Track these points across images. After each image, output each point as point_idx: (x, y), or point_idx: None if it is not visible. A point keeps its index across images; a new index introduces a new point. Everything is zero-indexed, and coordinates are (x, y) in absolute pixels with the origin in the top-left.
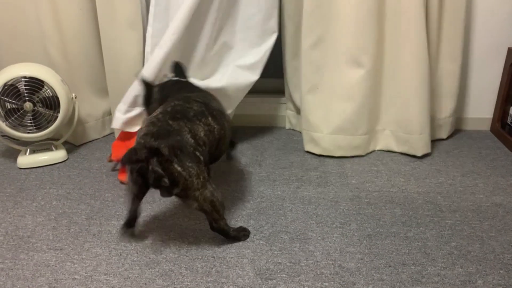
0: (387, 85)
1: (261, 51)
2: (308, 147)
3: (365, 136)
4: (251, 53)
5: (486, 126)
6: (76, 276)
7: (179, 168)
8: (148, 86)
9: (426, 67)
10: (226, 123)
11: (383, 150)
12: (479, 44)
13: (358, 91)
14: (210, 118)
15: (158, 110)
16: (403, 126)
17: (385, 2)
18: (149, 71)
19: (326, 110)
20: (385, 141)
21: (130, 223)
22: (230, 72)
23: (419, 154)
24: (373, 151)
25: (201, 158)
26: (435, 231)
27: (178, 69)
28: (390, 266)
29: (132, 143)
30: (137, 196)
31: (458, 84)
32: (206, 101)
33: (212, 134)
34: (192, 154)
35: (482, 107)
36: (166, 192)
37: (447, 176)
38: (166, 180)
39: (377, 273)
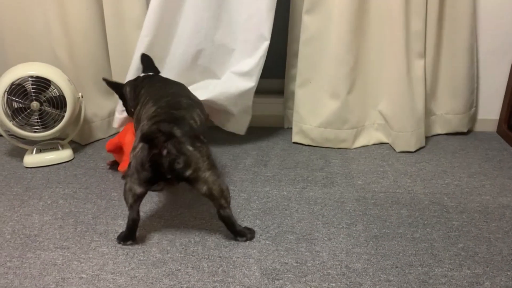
0: (372, 81)
1: (256, 57)
2: (296, 138)
3: (352, 130)
4: (247, 58)
5: (492, 128)
6: (83, 275)
7: (190, 148)
8: (115, 86)
9: (405, 64)
10: (205, 114)
11: (375, 144)
12: (485, 45)
13: (344, 87)
14: (197, 109)
15: (152, 108)
16: (389, 121)
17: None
18: (130, 75)
19: (315, 104)
20: (374, 135)
21: (131, 234)
22: (224, 79)
23: (397, 150)
24: (365, 145)
25: (205, 141)
26: (442, 232)
27: (147, 62)
28: (397, 267)
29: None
30: (139, 196)
31: (466, 81)
32: (188, 94)
33: (202, 123)
34: (198, 136)
35: (488, 109)
36: (179, 175)
37: (454, 177)
38: (180, 161)
39: (384, 274)
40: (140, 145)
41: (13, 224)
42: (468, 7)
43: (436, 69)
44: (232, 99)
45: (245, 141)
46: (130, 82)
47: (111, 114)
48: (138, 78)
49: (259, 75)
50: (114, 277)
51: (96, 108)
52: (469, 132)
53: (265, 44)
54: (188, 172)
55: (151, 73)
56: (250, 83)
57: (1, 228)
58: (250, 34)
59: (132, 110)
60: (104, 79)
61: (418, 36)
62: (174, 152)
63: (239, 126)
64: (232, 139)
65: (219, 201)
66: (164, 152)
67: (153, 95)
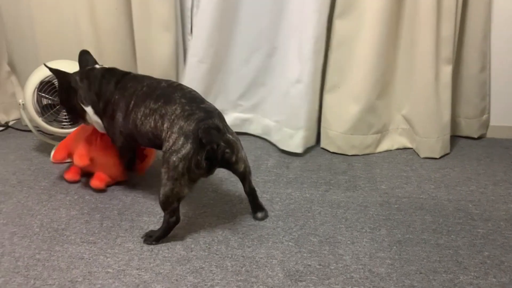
0: (400, 86)
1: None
2: (324, 143)
3: (377, 135)
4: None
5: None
6: (109, 270)
7: (230, 136)
8: (60, 75)
9: (433, 69)
10: None
11: (399, 149)
12: (498, 50)
13: (372, 92)
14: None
15: (174, 106)
16: (414, 127)
17: (403, 5)
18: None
19: (341, 109)
20: (397, 140)
21: (166, 236)
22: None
23: (422, 155)
24: (389, 150)
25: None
26: (466, 240)
27: (86, 58)
28: (421, 273)
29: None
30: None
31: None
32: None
33: None
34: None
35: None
36: (228, 162)
37: (478, 185)
38: (228, 150)
39: (408, 280)
40: (189, 145)
41: (41, 218)
42: (483, 12)
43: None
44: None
45: (266, 143)
46: (81, 72)
47: None
48: (89, 71)
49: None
50: (139, 273)
51: None
52: (480, 138)
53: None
54: (234, 157)
55: (98, 66)
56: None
57: (30, 222)
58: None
59: (82, 104)
60: (45, 65)
61: (447, 42)
62: (224, 144)
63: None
64: (253, 140)
65: (250, 176)
66: (216, 146)
67: (156, 94)
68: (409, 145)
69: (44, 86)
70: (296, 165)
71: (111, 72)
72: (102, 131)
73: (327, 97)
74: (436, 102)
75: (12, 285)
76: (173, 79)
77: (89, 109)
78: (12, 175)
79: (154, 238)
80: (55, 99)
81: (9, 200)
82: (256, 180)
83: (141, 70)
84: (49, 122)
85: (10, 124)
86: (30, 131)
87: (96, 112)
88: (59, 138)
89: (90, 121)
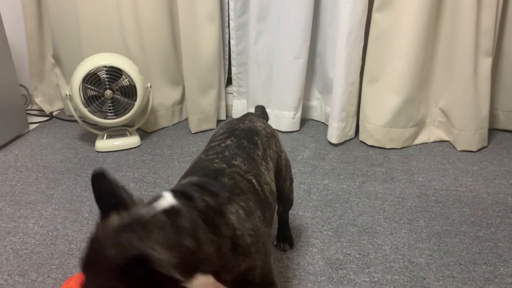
0: (438, 79)
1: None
2: (362, 137)
3: (415, 128)
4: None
5: None
6: None
7: None
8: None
9: (472, 62)
10: None
11: (435, 142)
12: None
13: (411, 84)
14: None
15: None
16: (452, 120)
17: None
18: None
19: (381, 102)
20: (434, 132)
21: None
22: None
23: (459, 148)
24: (425, 142)
25: None
26: (506, 233)
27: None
28: (460, 264)
29: None
30: None
31: None
32: None
33: None
34: None
35: None
36: None
37: None
38: None
39: (448, 270)
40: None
41: (90, 204)
42: None
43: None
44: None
45: (302, 135)
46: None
47: (175, 104)
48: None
49: None
50: None
51: (162, 98)
52: None
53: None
54: None
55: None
56: None
57: (79, 207)
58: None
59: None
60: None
61: (487, 34)
62: None
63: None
64: (289, 132)
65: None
66: None
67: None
68: (446, 138)
69: (89, 78)
70: (332, 157)
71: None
72: None
73: (366, 90)
74: (475, 94)
75: (68, 266)
76: (217, 73)
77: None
78: (60, 163)
79: (289, 242)
80: (100, 90)
81: (59, 186)
82: (293, 171)
83: (186, 62)
84: (93, 112)
85: (54, 114)
86: (74, 121)
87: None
88: (102, 128)
89: None
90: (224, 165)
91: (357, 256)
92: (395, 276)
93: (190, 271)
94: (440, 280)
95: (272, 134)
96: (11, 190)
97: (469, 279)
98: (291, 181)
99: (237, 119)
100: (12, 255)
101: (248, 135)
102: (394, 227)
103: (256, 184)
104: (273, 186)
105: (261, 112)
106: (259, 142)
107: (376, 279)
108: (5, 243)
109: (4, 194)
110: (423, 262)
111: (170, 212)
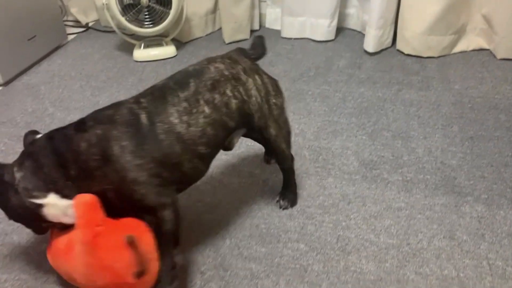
0: None
1: None
2: (399, 45)
3: (454, 35)
4: None
5: None
6: None
7: None
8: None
9: None
10: None
11: (474, 50)
12: None
13: None
14: None
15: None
16: (494, 26)
17: None
18: None
19: (421, 8)
20: (474, 41)
21: None
22: None
23: (499, 56)
24: (464, 51)
25: None
26: None
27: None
28: (492, 166)
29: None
30: None
31: None
32: None
33: None
34: None
35: None
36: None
37: None
38: None
39: (479, 171)
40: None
41: None
42: None
43: None
44: None
45: (337, 44)
46: (19, 157)
47: (208, 13)
48: (28, 148)
49: None
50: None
51: (195, 7)
52: None
53: None
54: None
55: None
56: None
57: None
58: None
59: (34, 199)
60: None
61: None
62: None
63: None
64: (324, 41)
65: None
66: None
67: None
68: (486, 46)
69: None
70: (368, 66)
71: (58, 130)
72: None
73: None
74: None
75: None
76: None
77: (50, 198)
78: (101, 72)
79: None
80: None
81: (103, 94)
82: (328, 80)
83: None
84: (130, 21)
85: (90, 25)
86: (109, 32)
87: (64, 193)
88: (139, 37)
89: (53, 218)
90: (132, 100)
91: (391, 158)
92: (427, 176)
93: (40, 189)
94: (471, 179)
95: (234, 77)
96: (59, 97)
97: (499, 179)
98: (287, 132)
99: (200, 61)
100: None
101: (183, 77)
102: (428, 132)
103: (143, 119)
104: (181, 128)
105: (259, 44)
106: (192, 84)
107: (408, 178)
108: None
109: (53, 100)
110: (455, 164)
111: (31, 143)
